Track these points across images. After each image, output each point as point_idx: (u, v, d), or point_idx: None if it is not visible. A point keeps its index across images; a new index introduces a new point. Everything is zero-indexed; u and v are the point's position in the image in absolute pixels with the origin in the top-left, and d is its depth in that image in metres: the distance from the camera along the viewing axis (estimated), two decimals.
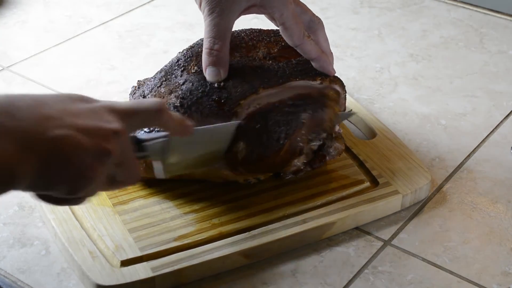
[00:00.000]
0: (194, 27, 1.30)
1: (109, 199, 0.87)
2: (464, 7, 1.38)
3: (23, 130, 0.63)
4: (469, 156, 1.02)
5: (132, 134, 0.76)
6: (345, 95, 0.93)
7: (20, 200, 0.91)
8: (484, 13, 1.37)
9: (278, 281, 0.82)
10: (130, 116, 0.72)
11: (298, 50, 0.90)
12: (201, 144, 0.83)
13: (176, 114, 0.78)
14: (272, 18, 0.90)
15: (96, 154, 0.67)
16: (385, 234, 0.88)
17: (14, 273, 0.81)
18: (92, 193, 0.70)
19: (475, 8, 1.38)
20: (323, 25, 0.93)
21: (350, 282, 0.82)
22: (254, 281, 0.82)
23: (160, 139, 0.77)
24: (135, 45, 1.25)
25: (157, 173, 0.81)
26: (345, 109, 0.95)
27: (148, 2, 1.38)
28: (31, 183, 0.65)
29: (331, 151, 0.91)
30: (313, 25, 0.92)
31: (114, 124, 0.69)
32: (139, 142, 0.76)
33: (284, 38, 0.90)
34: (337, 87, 0.92)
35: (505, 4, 1.35)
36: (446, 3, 1.40)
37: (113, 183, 0.73)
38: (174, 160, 0.81)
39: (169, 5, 1.37)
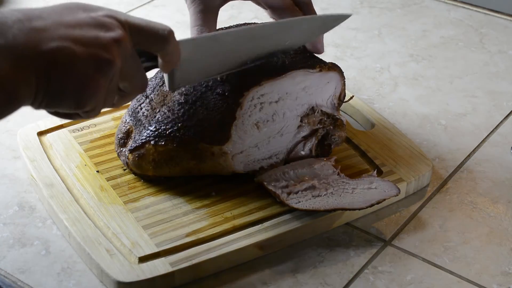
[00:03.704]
0: None
1: (120, 197, 0.88)
2: (464, 7, 1.38)
3: (14, 47, 0.61)
4: (469, 156, 1.02)
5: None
6: (344, 81, 0.94)
7: (20, 200, 0.91)
8: (484, 13, 1.37)
9: (278, 281, 0.82)
10: (134, 31, 0.69)
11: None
12: (218, 50, 0.80)
13: (179, 52, 0.75)
14: (258, 3, 0.90)
15: (96, 63, 0.65)
16: (385, 234, 0.88)
17: (14, 273, 0.81)
18: (102, 104, 0.69)
19: (475, 8, 1.38)
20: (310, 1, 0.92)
21: (350, 282, 0.82)
22: (254, 281, 0.82)
23: None
24: None
25: (168, 84, 0.79)
26: (345, 96, 0.95)
27: (148, 2, 1.38)
28: (36, 100, 0.64)
29: (336, 138, 0.93)
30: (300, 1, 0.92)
31: (115, 32, 0.66)
32: (147, 52, 0.73)
33: (271, 13, 0.90)
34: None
35: (505, 4, 1.35)
36: (446, 3, 1.40)
37: (122, 96, 0.71)
38: (184, 69, 0.78)
39: (169, 5, 1.37)
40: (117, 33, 0.67)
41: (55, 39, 0.63)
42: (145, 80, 0.73)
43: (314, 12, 0.92)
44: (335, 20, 0.89)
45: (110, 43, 0.66)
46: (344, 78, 0.94)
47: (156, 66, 0.76)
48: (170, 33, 0.71)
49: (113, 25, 0.67)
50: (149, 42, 0.71)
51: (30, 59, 0.62)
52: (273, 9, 0.88)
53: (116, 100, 0.73)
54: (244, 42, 0.83)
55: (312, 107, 0.92)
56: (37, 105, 0.65)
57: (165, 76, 0.79)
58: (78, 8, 0.67)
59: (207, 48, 0.79)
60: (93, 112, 0.69)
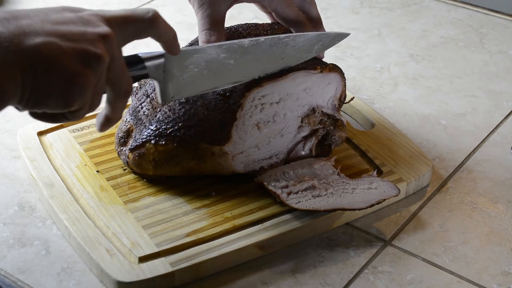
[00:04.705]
0: (194, 27, 1.30)
1: (120, 197, 0.88)
2: (464, 7, 1.38)
3: None
4: (469, 156, 1.02)
5: (134, 53, 0.74)
6: (345, 83, 0.94)
7: (20, 200, 0.91)
8: (484, 13, 1.37)
9: (278, 281, 0.82)
10: (121, 24, 0.69)
11: (293, 30, 0.90)
12: (208, 63, 0.81)
13: (171, 28, 0.75)
14: (263, 7, 0.90)
15: (84, 59, 0.64)
16: (385, 234, 0.88)
17: (14, 273, 0.81)
18: (88, 105, 0.67)
19: (475, 8, 1.38)
20: (315, 3, 0.93)
21: (350, 282, 0.82)
22: (254, 281, 0.82)
23: (160, 58, 0.76)
24: (135, 44, 1.25)
25: (160, 97, 0.79)
26: (345, 97, 0.96)
27: (148, 2, 1.38)
28: (23, 99, 0.63)
29: (336, 139, 0.93)
30: (304, 5, 0.92)
31: (101, 28, 0.66)
32: (139, 60, 0.74)
33: (280, 22, 0.90)
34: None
35: (505, 4, 1.36)
36: (446, 3, 1.40)
37: (108, 100, 0.71)
38: (175, 81, 0.78)
39: (169, 5, 1.37)
40: (103, 29, 0.67)
41: (40, 35, 0.63)
42: (129, 86, 0.71)
43: (322, 29, 0.93)
44: (333, 38, 0.90)
45: (97, 39, 0.66)
46: (345, 79, 0.94)
47: (146, 76, 0.76)
48: (155, 14, 0.71)
49: (99, 22, 0.67)
50: (138, 29, 0.71)
51: (15, 55, 0.61)
52: (277, 12, 0.88)
53: (109, 111, 0.72)
54: (236, 56, 0.83)
55: (313, 108, 0.92)
56: (24, 104, 0.64)
57: (157, 88, 0.79)
58: (64, 9, 0.68)
59: (197, 60, 0.80)
60: (80, 113, 0.68)
